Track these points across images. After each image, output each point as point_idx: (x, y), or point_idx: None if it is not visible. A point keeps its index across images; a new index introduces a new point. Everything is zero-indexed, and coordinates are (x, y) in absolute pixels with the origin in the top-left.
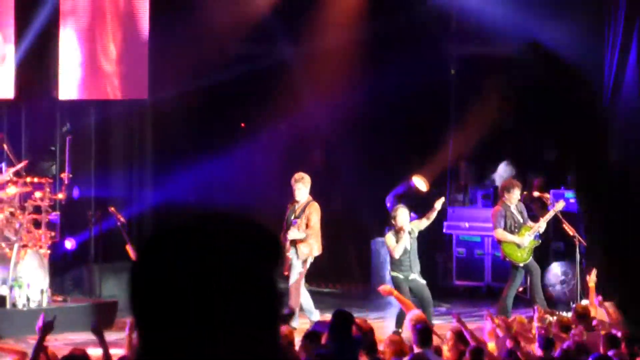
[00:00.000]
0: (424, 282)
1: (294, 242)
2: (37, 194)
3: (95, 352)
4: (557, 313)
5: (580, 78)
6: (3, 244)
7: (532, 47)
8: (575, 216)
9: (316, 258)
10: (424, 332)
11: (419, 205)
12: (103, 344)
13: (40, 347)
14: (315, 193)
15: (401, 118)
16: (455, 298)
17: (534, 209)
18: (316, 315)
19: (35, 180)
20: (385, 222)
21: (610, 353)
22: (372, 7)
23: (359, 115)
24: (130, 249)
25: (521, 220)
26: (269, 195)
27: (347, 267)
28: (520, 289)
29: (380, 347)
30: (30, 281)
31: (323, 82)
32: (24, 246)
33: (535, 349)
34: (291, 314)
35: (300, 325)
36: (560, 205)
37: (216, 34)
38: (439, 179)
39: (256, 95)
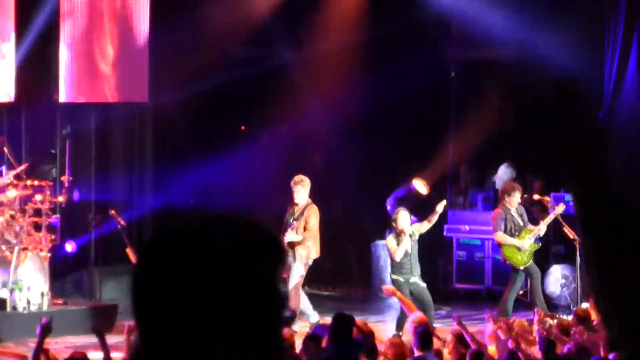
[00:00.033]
0: (424, 285)
1: (292, 245)
2: (38, 197)
3: (95, 355)
4: (558, 316)
5: (579, 83)
6: (3, 247)
7: (531, 52)
8: (575, 219)
9: (316, 261)
10: (424, 335)
11: (419, 208)
12: (104, 345)
13: (39, 350)
14: (315, 196)
15: (401, 121)
16: (455, 301)
17: (534, 212)
18: (315, 317)
19: (36, 183)
20: (385, 225)
21: (610, 357)
22: (372, 11)
23: (359, 118)
24: (130, 252)
25: (521, 224)
26: (269, 198)
27: (348, 270)
28: (521, 292)
29: (381, 348)
30: (31, 284)
31: (323, 85)
32: (25, 249)
33: (536, 352)
34: (293, 317)
35: (300, 329)
36: (560, 208)
37: (217, 38)
38: (439, 182)
39: (256, 98)
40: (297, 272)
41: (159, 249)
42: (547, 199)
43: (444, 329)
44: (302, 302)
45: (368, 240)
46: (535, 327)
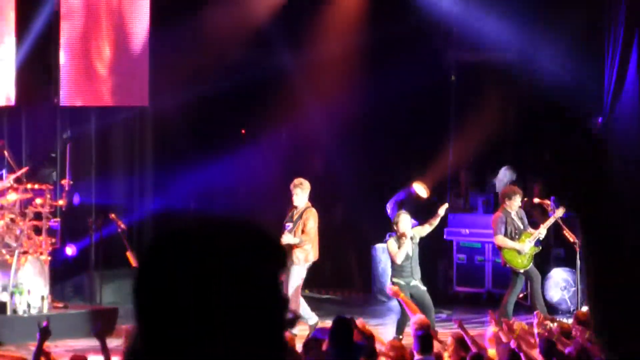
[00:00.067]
0: (424, 288)
1: (290, 248)
2: (38, 201)
3: (96, 358)
4: (558, 319)
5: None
6: (4, 251)
7: (531, 56)
8: (576, 222)
9: (316, 264)
10: (424, 338)
11: (419, 211)
12: (104, 349)
13: (39, 353)
14: (315, 199)
15: (401, 124)
16: (455, 304)
17: (535, 215)
18: (313, 320)
19: (36, 186)
20: (385, 229)
21: None
22: (372, 14)
23: (359, 121)
24: (130, 256)
25: (522, 227)
26: (269, 201)
27: (348, 274)
28: (521, 296)
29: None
30: (31, 288)
31: (323, 88)
32: (25, 253)
33: (537, 355)
34: (295, 319)
35: (299, 332)
36: (560, 211)
37: (217, 40)
38: (439, 186)
39: (257, 101)
40: (295, 275)
41: (160, 250)
42: (547, 202)
43: (444, 332)
44: (300, 305)
45: (368, 243)
46: (535, 330)
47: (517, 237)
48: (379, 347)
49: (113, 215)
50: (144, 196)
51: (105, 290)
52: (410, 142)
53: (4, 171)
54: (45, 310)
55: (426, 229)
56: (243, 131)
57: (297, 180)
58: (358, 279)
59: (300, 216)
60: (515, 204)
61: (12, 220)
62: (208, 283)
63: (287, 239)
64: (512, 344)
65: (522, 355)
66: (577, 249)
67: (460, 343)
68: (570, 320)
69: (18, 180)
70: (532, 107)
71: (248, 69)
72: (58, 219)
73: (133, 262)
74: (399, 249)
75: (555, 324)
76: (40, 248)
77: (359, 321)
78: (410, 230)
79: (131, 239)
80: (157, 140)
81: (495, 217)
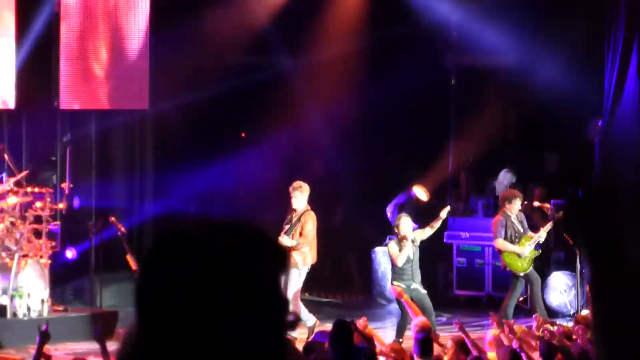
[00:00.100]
0: (425, 291)
1: (288, 250)
2: (38, 204)
3: None
4: (558, 323)
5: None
6: (4, 254)
7: (531, 60)
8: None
9: (316, 268)
10: (424, 342)
11: (419, 215)
12: (105, 353)
13: (39, 357)
14: (315, 202)
15: (401, 127)
16: (455, 308)
17: (535, 218)
18: (311, 321)
19: (36, 190)
20: (385, 232)
21: None
22: (371, 18)
23: (359, 124)
24: (130, 259)
25: (522, 230)
26: (269, 205)
27: (348, 277)
28: (521, 299)
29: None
30: (31, 291)
31: (323, 92)
32: (25, 256)
33: (537, 358)
34: (296, 321)
35: (299, 335)
36: (560, 215)
37: (217, 45)
38: (439, 189)
39: (256, 106)
40: (294, 278)
41: (160, 251)
42: (547, 205)
43: (444, 335)
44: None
45: (368, 246)
46: (534, 333)
47: (517, 240)
48: (378, 346)
49: (113, 219)
50: (144, 199)
51: (105, 293)
52: (410, 145)
53: (4, 174)
54: (45, 314)
55: (427, 232)
56: (243, 135)
57: (296, 183)
58: (358, 282)
59: (299, 219)
60: (515, 208)
61: (12, 223)
62: (208, 284)
63: (283, 241)
64: (515, 344)
65: (523, 355)
66: (577, 253)
67: (460, 346)
68: (571, 324)
69: (18, 184)
70: (532, 110)
71: (248, 73)
72: (58, 222)
73: (133, 265)
74: (400, 251)
75: (556, 328)
76: (40, 251)
77: (362, 320)
78: (411, 233)
79: (131, 242)
80: (157, 143)
81: (495, 221)
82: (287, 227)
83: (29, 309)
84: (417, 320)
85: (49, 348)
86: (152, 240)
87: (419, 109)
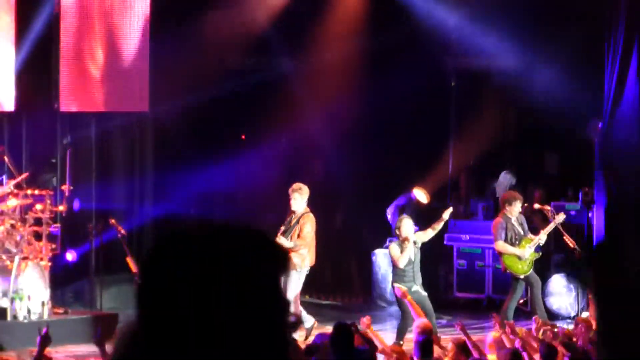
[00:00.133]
0: (425, 293)
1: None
2: (38, 206)
3: None
4: (558, 325)
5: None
6: (4, 256)
7: (531, 63)
8: (576, 228)
9: (316, 270)
10: (425, 344)
11: (419, 217)
12: (105, 356)
13: (39, 359)
14: (315, 205)
15: (401, 130)
16: (456, 310)
17: (535, 221)
18: (310, 322)
19: (36, 192)
20: (385, 234)
21: None
22: (371, 21)
23: (359, 127)
24: (130, 261)
25: (522, 233)
26: (269, 207)
27: (348, 279)
28: (521, 301)
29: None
30: (31, 293)
31: (323, 94)
32: (25, 258)
33: (538, 359)
34: (297, 323)
35: (298, 337)
36: (560, 217)
37: (217, 47)
38: (439, 191)
39: (257, 108)
40: (293, 280)
41: (160, 251)
42: (548, 208)
43: (445, 338)
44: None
45: (368, 248)
46: (534, 335)
47: (517, 242)
48: (379, 345)
49: (113, 221)
50: (144, 201)
51: (105, 296)
52: (411, 147)
53: (4, 177)
54: (45, 316)
55: (429, 234)
56: (243, 137)
57: (295, 185)
58: (358, 284)
59: (298, 221)
60: (515, 210)
61: (13, 226)
62: (208, 284)
63: (281, 241)
64: (517, 344)
65: (525, 356)
66: (578, 256)
67: (461, 348)
68: (571, 327)
69: (18, 186)
70: (531, 112)
71: (248, 75)
72: (58, 225)
73: (133, 267)
74: (402, 253)
75: (556, 330)
76: (40, 254)
77: (365, 319)
78: (412, 235)
79: (131, 244)
80: (158, 146)
81: (495, 223)
82: (283, 228)
83: (29, 311)
84: (419, 322)
85: (49, 351)
86: (152, 242)
87: (418, 110)
